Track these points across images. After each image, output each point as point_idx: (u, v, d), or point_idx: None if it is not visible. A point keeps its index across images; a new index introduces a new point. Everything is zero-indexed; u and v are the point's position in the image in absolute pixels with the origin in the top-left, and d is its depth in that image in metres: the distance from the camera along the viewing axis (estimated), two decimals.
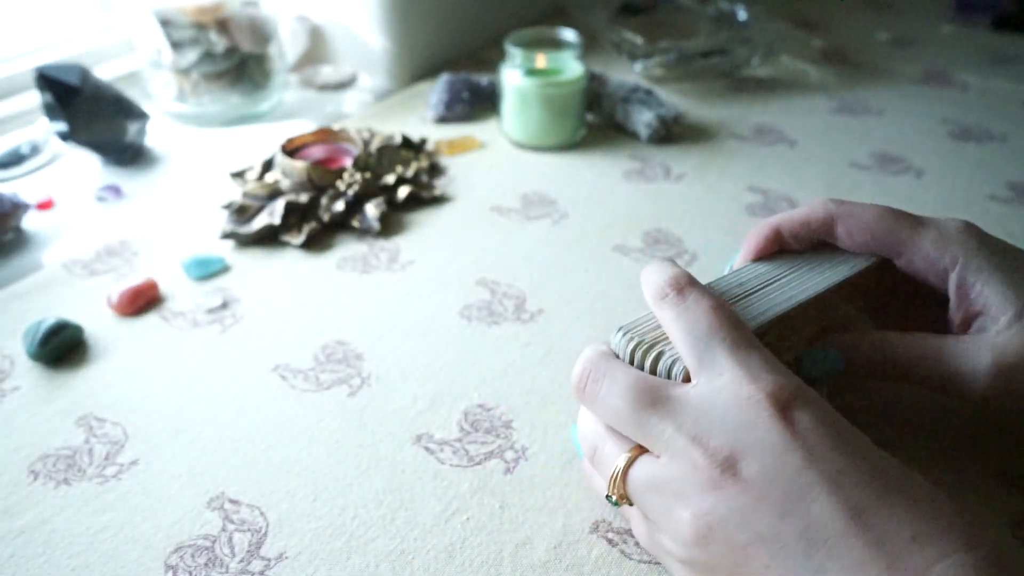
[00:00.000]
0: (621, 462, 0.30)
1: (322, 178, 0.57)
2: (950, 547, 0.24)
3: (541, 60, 0.65)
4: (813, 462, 0.25)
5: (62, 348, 0.44)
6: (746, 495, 0.26)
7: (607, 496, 0.31)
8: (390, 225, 0.57)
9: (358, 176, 0.58)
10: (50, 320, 0.44)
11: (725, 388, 0.27)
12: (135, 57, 0.71)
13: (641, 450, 0.30)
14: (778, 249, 0.38)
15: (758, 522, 0.25)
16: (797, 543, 0.25)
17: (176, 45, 0.68)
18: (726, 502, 0.26)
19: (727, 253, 0.53)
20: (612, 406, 0.30)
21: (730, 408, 0.27)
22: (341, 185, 0.57)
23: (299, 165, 0.57)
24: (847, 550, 0.24)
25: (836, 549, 0.24)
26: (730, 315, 0.30)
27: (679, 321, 0.30)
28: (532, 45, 0.66)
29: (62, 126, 0.61)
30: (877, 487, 0.25)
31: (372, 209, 0.56)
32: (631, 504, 0.30)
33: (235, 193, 0.59)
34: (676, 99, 0.77)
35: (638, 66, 0.80)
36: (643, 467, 0.29)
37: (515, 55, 0.64)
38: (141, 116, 0.66)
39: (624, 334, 0.32)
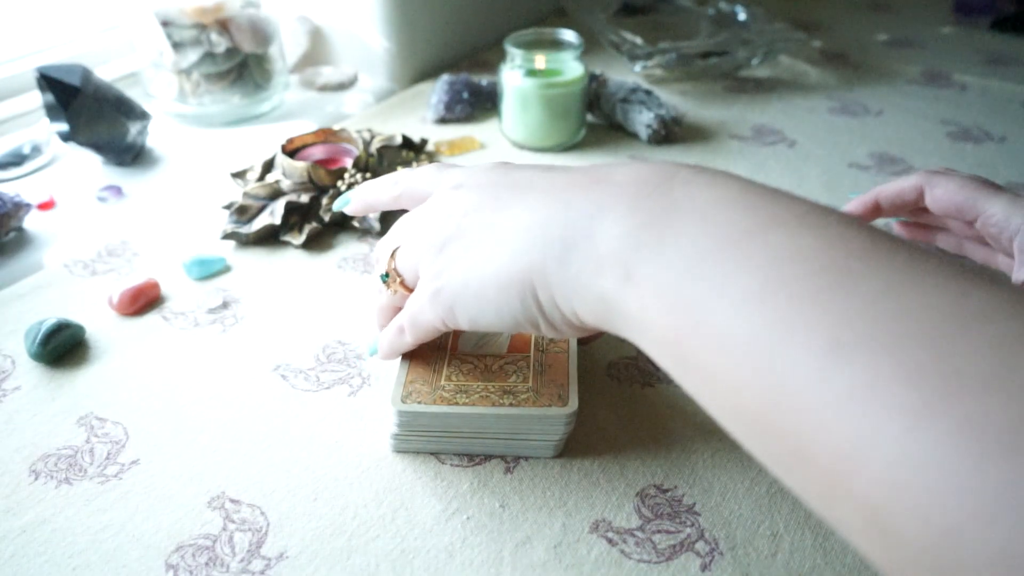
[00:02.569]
0: (393, 252, 0.36)
1: (323, 178, 0.57)
2: (626, 163, 0.30)
3: (541, 61, 0.65)
4: (520, 167, 0.33)
5: (63, 348, 0.44)
6: (469, 191, 0.33)
7: (381, 277, 0.36)
8: (390, 225, 0.57)
9: (358, 176, 0.58)
10: (51, 320, 0.45)
11: (469, 166, 0.35)
12: (136, 57, 0.71)
13: None
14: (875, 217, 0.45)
15: (477, 196, 0.32)
16: (508, 190, 0.31)
17: (177, 46, 0.68)
18: (456, 201, 0.33)
19: None
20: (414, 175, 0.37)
21: (466, 169, 0.35)
22: (342, 185, 0.57)
23: (300, 165, 0.57)
24: (544, 180, 0.31)
25: (536, 182, 0.31)
26: None
27: None
28: (532, 46, 0.66)
29: (63, 126, 0.61)
30: (569, 168, 0.32)
31: None
32: (398, 276, 0.35)
33: (236, 193, 0.59)
34: (676, 100, 0.77)
35: (638, 67, 0.80)
36: (406, 243, 0.35)
37: (515, 56, 0.64)
38: (142, 116, 0.66)
39: None
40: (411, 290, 0.35)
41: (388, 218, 0.58)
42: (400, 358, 0.39)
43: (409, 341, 0.36)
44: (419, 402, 0.36)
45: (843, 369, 0.20)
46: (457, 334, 0.40)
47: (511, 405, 0.36)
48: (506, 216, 0.30)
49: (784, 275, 0.22)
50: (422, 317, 0.34)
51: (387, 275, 0.36)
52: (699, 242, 0.24)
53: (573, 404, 0.36)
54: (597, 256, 0.27)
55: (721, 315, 0.23)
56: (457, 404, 0.36)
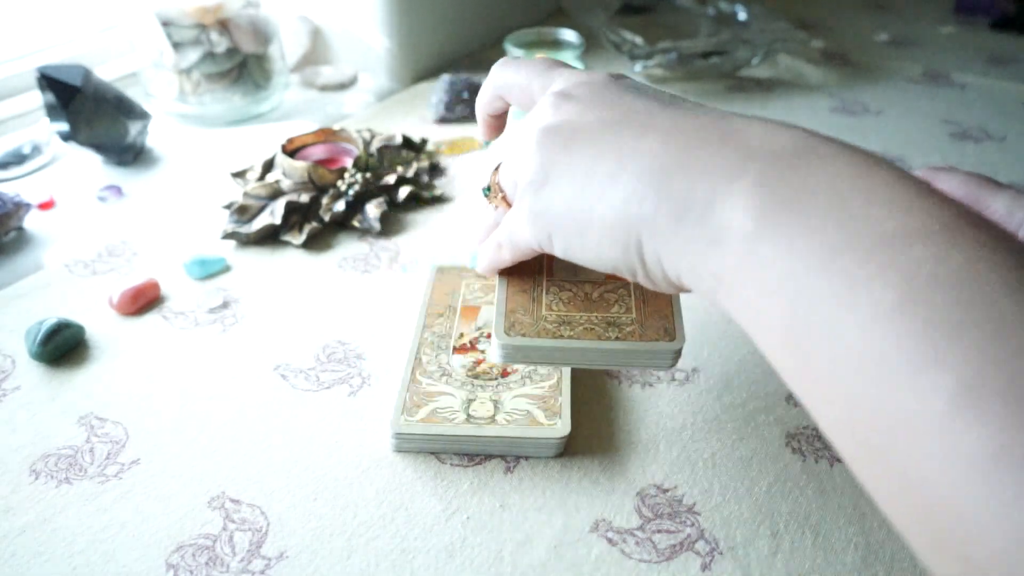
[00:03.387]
0: (497, 166, 0.35)
1: (323, 178, 0.57)
2: (764, 118, 0.28)
3: None
4: (636, 87, 0.31)
5: (63, 347, 0.44)
6: (579, 104, 0.31)
7: (483, 190, 0.35)
8: (390, 225, 0.57)
9: (359, 176, 0.58)
10: (51, 320, 0.45)
11: (578, 70, 0.34)
12: (136, 57, 0.71)
13: None
14: None
15: (588, 114, 0.30)
16: (623, 119, 0.29)
17: (177, 45, 0.68)
18: (564, 112, 0.31)
19: None
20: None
21: (576, 73, 0.33)
22: (342, 185, 0.57)
23: (300, 165, 0.57)
24: (664, 115, 0.29)
25: (656, 116, 0.29)
26: None
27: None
28: (532, 45, 0.66)
29: (63, 126, 0.61)
30: (694, 102, 0.30)
31: (373, 209, 0.57)
32: (500, 191, 0.34)
33: (236, 193, 0.59)
34: None
35: (638, 66, 0.80)
36: (509, 157, 0.34)
37: (515, 55, 0.64)
38: (142, 116, 0.66)
39: None
40: (511, 205, 0.34)
41: (389, 218, 0.58)
42: (498, 283, 0.37)
43: (507, 258, 0.35)
44: (522, 334, 0.35)
45: (972, 421, 0.18)
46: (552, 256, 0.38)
47: (616, 339, 0.35)
48: (620, 151, 0.28)
49: (924, 298, 0.20)
50: (520, 236, 0.32)
51: (489, 189, 0.34)
52: (833, 236, 0.22)
53: (681, 338, 0.35)
54: (716, 227, 0.25)
55: (849, 323, 0.21)
56: (562, 337, 0.35)
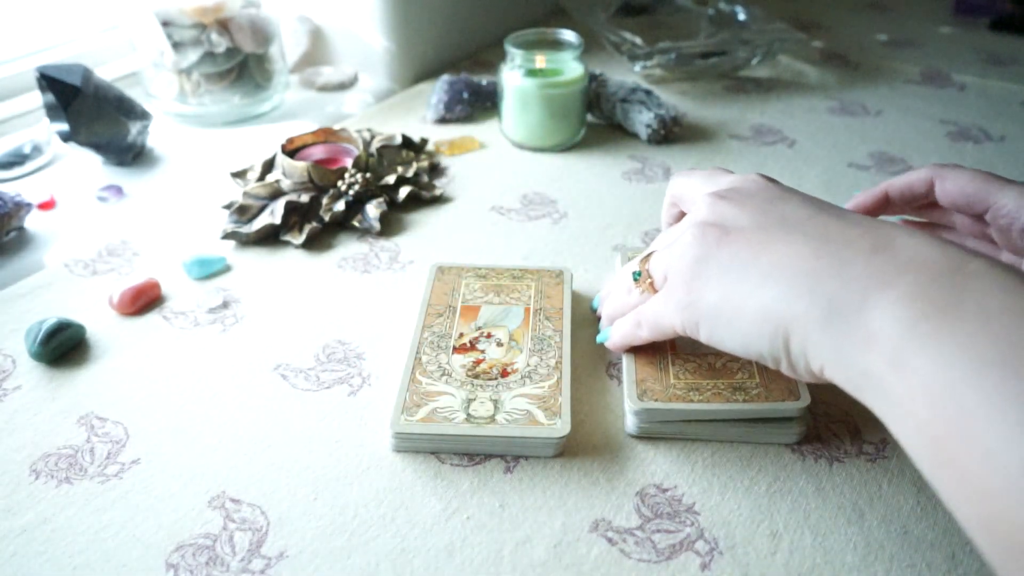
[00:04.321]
0: (647, 255, 0.38)
1: (323, 178, 0.57)
2: (912, 229, 0.30)
3: (541, 61, 0.65)
4: (787, 191, 0.34)
5: (63, 347, 0.44)
6: (735, 205, 0.33)
7: (633, 274, 0.38)
8: (390, 225, 0.57)
9: (359, 176, 0.58)
10: (52, 319, 0.45)
11: (735, 175, 0.37)
12: (136, 57, 0.71)
13: None
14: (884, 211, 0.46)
15: (742, 216, 0.33)
16: (775, 223, 0.32)
17: (177, 45, 0.68)
18: (720, 211, 0.33)
19: None
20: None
21: (732, 177, 0.37)
22: (342, 185, 0.57)
23: (300, 165, 0.57)
24: (816, 221, 0.31)
25: (807, 222, 0.31)
26: None
27: None
28: (532, 46, 0.66)
29: (64, 126, 0.61)
30: (840, 208, 0.33)
31: (372, 209, 0.57)
32: (648, 277, 0.37)
33: (236, 193, 0.59)
34: (676, 100, 0.77)
35: (638, 67, 0.80)
36: (660, 245, 0.37)
37: (515, 56, 0.64)
38: (142, 116, 0.66)
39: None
40: (656, 291, 0.36)
41: (389, 218, 0.58)
42: (624, 358, 0.41)
43: (645, 336, 0.38)
44: (655, 400, 0.38)
45: None
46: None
47: (744, 401, 0.38)
48: (772, 252, 0.31)
49: None
50: (665, 321, 0.35)
51: (639, 274, 0.38)
52: (982, 349, 0.24)
53: (805, 398, 0.38)
54: (867, 332, 0.27)
55: (995, 434, 0.22)
56: (692, 401, 0.38)
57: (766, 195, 0.34)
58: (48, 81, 0.60)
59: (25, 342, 0.45)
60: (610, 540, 0.34)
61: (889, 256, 0.28)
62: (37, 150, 0.65)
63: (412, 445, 0.38)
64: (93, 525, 0.35)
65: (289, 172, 0.58)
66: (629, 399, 0.38)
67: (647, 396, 0.38)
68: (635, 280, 0.38)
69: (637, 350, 0.41)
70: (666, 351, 0.41)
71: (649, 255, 0.37)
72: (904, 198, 0.45)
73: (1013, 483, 0.22)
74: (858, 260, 0.28)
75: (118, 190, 0.62)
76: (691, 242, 0.33)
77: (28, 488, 0.37)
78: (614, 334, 0.41)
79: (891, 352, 0.26)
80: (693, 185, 0.39)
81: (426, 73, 0.82)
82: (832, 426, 0.40)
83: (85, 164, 0.65)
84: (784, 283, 0.30)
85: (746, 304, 0.31)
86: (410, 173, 0.62)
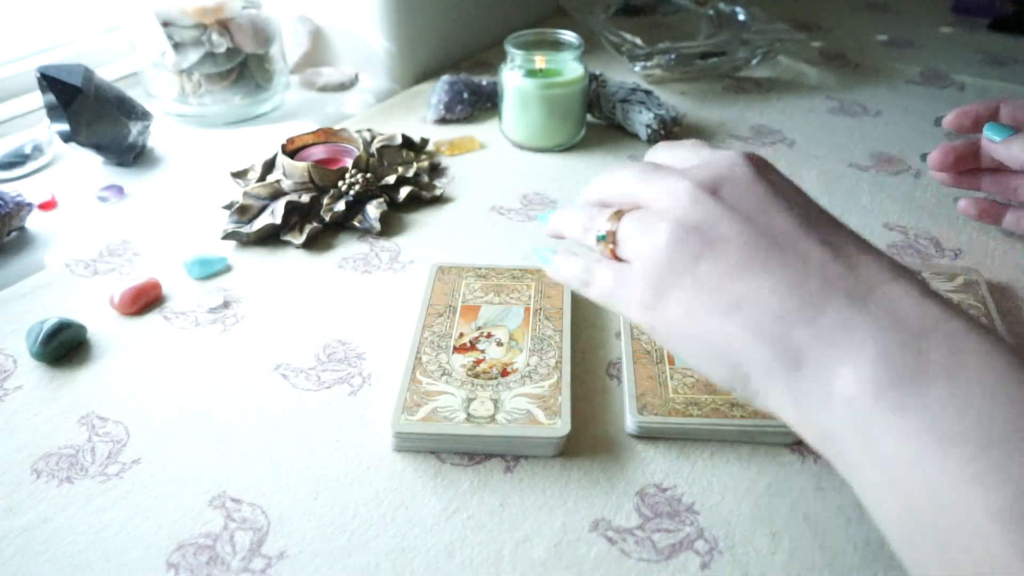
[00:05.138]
0: (617, 212, 0.34)
1: (323, 178, 0.57)
2: (896, 269, 0.28)
3: (541, 61, 0.65)
4: (777, 193, 0.31)
5: (64, 347, 0.45)
6: (720, 207, 0.30)
7: (597, 234, 0.34)
8: (391, 225, 0.57)
9: (359, 176, 0.58)
10: (53, 319, 0.45)
11: (716, 153, 0.33)
12: (137, 58, 0.71)
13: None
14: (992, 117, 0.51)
15: (726, 225, 0.30)
16: (759, 240, 0.29)
17: (178, 46, 0.68)
18: (704, 211, 0.30)
19: None
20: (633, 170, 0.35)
21: (718, 161, 0.32)
22: (342, 185, 0.57)
23: (300, 165, 0.57)
24: (800, 247, 0.29)
25: (791, 245, 0.29)
26: None
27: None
28: (532, 46, 0.66)
29: (64, 126, 0.61)
30: (829, 218, 0.31)
31: (373, 209, 0.57)
32: (613, 243, 0.33)
33: (236, 193, 0.59)
34: (676, 100, 0.77)
35: (638, 67, 0.80)
36: (633, 213, 0.33)
37: (515, 56, 0.64)
38: (143, 116, 0.66)
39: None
40: (618, 258, 0.34)
41: (389, 218, 0.58)
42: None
43: (589, 296, 0.35)
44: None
45: None
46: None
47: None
48: (748, 280, 0.29)
49: None
50: (619, 305, 0.33)
51: (604, 236, 0.34)
52: (949, 425, 0.23)
53: None
54: (832, 391, 0.26)
55: (958, 517, 0.22)
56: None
57: (754, 199, 0.31)
58: (49, 81, 0.60)
59: (26, 342, 0.45)
60: (610, 540, 0.34)
61: (864, 308, 0.27)
62: (38, 150, 0.65)
63: (412, 445, 0.38)
64: (94, 525, 0.35)
65: (289, 172, 0.58)
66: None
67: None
68: (599, 241, 0.34)
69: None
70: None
71: (619, 212, 0.34)
72: (1015, 117, 0.49)
73: (974, 563, 0.22)
74: (831, 309, 0.27)
75: (119, 190, 0.62)
76: (668, 244, 0.31)
77: (29, 488, 0.37)
78: (560, 268, 0.37)
79: (854, 418, 0.25)
80: (678, 159, 0.35)
81: (426, 73, 0.82)
82: None
83: (86, 164, 0.66)
84: (753, 321, 0.28)
85: (710, 329, 0.29)
86: (410, 173, 0.62)
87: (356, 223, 0.56)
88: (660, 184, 0.32)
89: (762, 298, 0.28)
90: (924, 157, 0.55)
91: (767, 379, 0.28)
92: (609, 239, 0.34)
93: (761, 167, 0.32)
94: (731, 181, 0.31)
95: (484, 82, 0.74)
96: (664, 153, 0.36)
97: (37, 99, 0.69)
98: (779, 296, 0.28)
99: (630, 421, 0.39)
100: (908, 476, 0.23)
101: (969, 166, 0.53)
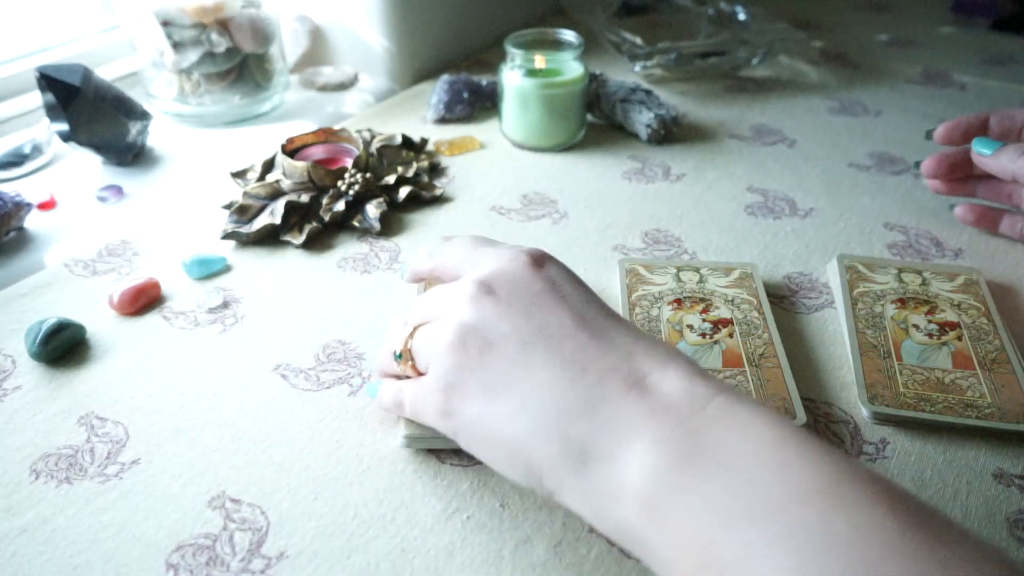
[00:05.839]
0: (411, 329, 0.36)
1: (323, 178, 0.57)
2: (666, 355, 0.30)
3: (541, 61, 0.65)
4: (552, 289, 0.32)
5: (63, 347, 0.44)
6: (498, 306, 0.32)
7: (394, 354, 0.36)
8: (391, 225, 0.57)
9: (359, 176, 0.58)
10: (52, 319, 0.45)
11: (495, 249, 0.35)
12: (136, 57, 0.71)
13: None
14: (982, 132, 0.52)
15: (505, 323, 0.31)
16: (536, 336, 0.31)
17: (177, 45, 0.68)
18: (481, 310, 0.32)
19: (727, 253, 0.54)
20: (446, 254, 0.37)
21: (496, 258, 0.34)
22: (342, 185, 0.57)
23: (300, 165, 0.57)
24: (575, 341, 0.30)
25: (567, 340, 0.30)
26: None
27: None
28: (532, 46, 0.66)
29: (63, 126, 0.61)
30: (604, 310, 0.32)
31: (373, 209, 0.57)
32: (411, 358, 0.35)
33: (236, 193, 0.59)
34: (676, 99, 0.77)
35: (638, 67, 0.80)
36: (427, 326, 0.35)
37: (515, 56, 0.64)
38: (142, 116, 0.66)
39: None
40: (420, 373, 0.35)
41: (389, 218, 0.58)
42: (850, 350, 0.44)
43: (407, 415, 0.36)
44: (886, 404, 0.40)
45: None
46: None
47: (977, 418, 0.39)
48: (529, 379, 0.30)
49: (816, 566, 0.22)
50: (425, 416, 0.34)
51: (400, 355, 0.35)
52: (730, 503, 0.24)
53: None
54: (619, 485, 0.27)
55: None
56: (923, 411, 0.39)
57: (530, 295, 0.32)
58: (48, 81, 0.60)
59: (25, 342, 0.45)
60: (610, 540, 0.34)
61: (638, 397, 0.28)
62: (37, 150, 0.65)
63: (424, 445, 0.38)
64: (93, 525, 0.35)
65: (289, 172, 0.58)
66: (860, 400, 0.40)
67: (877, 400, 0.40)
68: (396, 360, 0.36)
69: (861, 344, 0.43)
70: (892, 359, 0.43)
71: (415, 330, 0.35)
72: (1003, 125, 0.50)
73: None
74: (609, 400, 0.28)
75: (118, 190, 0.62)
76: (452, 346, 0.32)
77: (28, 488, 0.37)
78: (383, 395, 0.38)
79: (645, 505, 0.26)
80: (457, 258, 0.36)
81: (426, 73, 0.82)
82: (832, 426, 0.40)
83: (85, 164, 0.65)
84: (537, 420, 0.29)
85: (501, 431, 0.30)
86: (410, 173, 0.62)
87: (356, 223, 0.56)
88: (446, 293, 0.34)
89: (543, 395, 0.29)
90: (917, 164, 0.55)
91: (558, 479, 0.29)
92: (406, 356, 0.35)
93: (538, 261, 0.34)
94: (507, 279, 0.33)
95: (484, 82, 0.74)
96: (446, 254, 0.37)
97: (36, 99, 0.69)
98: (558, 392, 0.29)
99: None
100: (704, 556, 0.24)
101: (963, 173, 0.54)
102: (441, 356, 0.32)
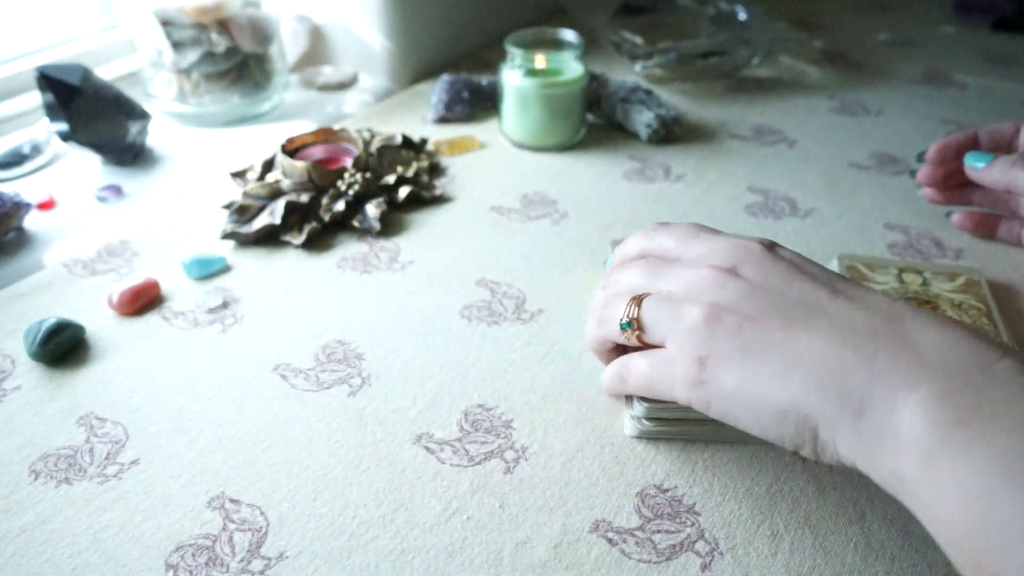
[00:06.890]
0: (635, 297, 0.35)
1: (323, 178, 0.57)
2: (937, 318, 0.29)
3: (541, 60, 0.65)
4: (795, 267, 0.33)
5: (63, 348, 0.44)
6: (748, 285, 0.33)
7: (621, 323, 0.35)
8: (390, 225, 0.57)
9: (358, 176, 0.58)
10: (51, 320, 0.45)
11: (722, 239, 0.36)
12: (136, 57, 0.71)
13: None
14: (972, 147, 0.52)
15: (759, 299, 0.32)
16: (796, 307, 0.31)
17: (177, 45, 0.68)
18: (734, 291, 0.33)
19: None
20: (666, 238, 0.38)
21: (729, 246, 0.35)
22: (342, 185, 0.57)
23: (300, 165, 0.57)
24: (836, 307, 0.31)
25: (828, 307, 0.31)
26: None
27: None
28: (532, 45, 0.66)
29: (63, 126, 0.61)
30: (853, 283, 0.33)
31: (372, 209, 0.57)
32: (639, 329, 0.35)
33: (236, 193, 0.59)
34: (676, 99, 0.77)
35: (638, 66, 0.80)
36: (654, 297, 0.35)
37: (515, 55, 0.64)
38: (142, 116, 0.66)
39: None
40: (647, 345, 0.35)
41: (389, 218, 0.58)
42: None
43: (630, 391, 0.37)
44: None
45: None
46: None
47: None
48: (797, 341, 0.30)
49: None
50: (666, 388, 0.34)
51: (628, 324, 0.35)
52: (1015, 457, 0.24)
53: None
54: (897, 434, 0.27)
55: None
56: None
57: (777, 273, 0.33)
58: (48, 81, 0.60)
59: (24, 342, 0.45)
60: (610, 541, 0.34)
61: (915, 354, 0.28)
62: (36, 150, 0.65)
63: (658, 430, 0.38)
64: (92, 526, 0.35)
65: (289, 172, 0.57)
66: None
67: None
68: (624, 329, 0.35)
69: None
70: None
71: (640, 298, 0.35)
72: (992, 139, 0.51)
73: None
74: (882, 357, 0.28)
75: (117, 190, 0.62)
76: (707, 321, 0.32)
77: (27, 488, 0.37)
78: (605, 382, 0.38)
79: (922, 457, 0.26)
80: (676, 240, 0.37)
81: (426, 73, 0.82)
82: None
83: (84, 164, 0.65)
84: (812, 377, 0.29)
85: (769, 394, 0.30)
86: (410, 173, 0.61)
87: (356, 223, 0.56)
88: (677, 276, 0.35)
89: (814, 356, 0.29)
90: (920, 156, 0.55)
91: (834, 431, 0.29)
92: (634, 326, 0.35)
93: (770, 246, 0.35)
94: (749, 262, 0.34)
95: (484, 81, 0.74)
96: (663, 237, 0.38)
97: (36, 98, 0.69)
98: (831, 351, 0.29)
99: (628, 413, 0.39)
100: (979, 513, 0.24)
101: (958, 181, 0.54)
102: (692, 332, 0.32)
